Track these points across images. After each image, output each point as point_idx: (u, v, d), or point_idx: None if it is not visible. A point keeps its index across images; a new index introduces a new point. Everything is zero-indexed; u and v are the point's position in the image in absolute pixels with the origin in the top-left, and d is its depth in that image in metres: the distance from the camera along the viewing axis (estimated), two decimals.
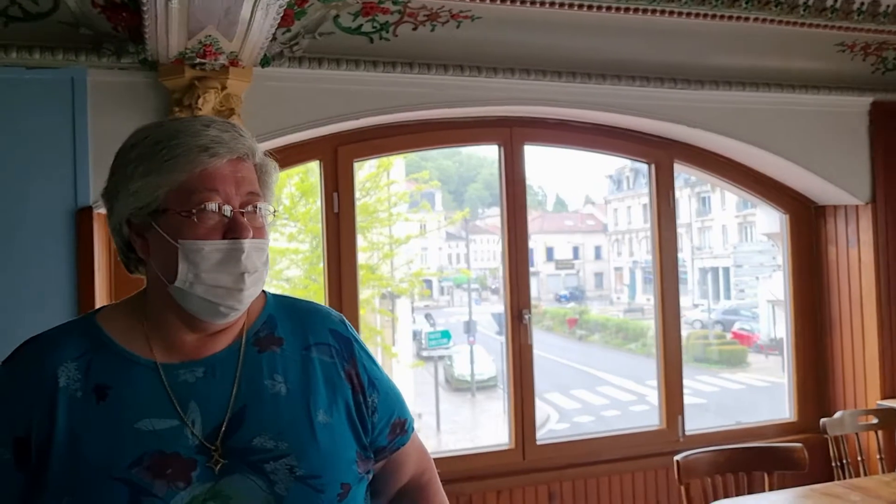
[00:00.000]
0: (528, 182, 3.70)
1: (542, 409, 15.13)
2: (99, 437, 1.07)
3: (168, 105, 2.89)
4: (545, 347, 18.19)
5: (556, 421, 13.98)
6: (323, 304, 1.27)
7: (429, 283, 18.04)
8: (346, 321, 1.29)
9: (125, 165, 1.13)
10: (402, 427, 1.28)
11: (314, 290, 9.56)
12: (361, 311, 10.93)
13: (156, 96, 2.92)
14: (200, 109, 2.83)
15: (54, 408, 1.07)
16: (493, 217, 27.70)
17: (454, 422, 13.89)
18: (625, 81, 3.48)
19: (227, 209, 1.11)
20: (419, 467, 1.34)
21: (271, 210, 1.18)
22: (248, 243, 1.11)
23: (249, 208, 1.13)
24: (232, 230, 1.10)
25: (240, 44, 2.64)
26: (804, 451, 2.84)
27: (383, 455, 1.26)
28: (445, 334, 15.77)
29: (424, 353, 15.11)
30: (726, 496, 2.76)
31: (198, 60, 2.77)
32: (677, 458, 2.73)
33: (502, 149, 3.59)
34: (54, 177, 2.82)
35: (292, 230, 9.27)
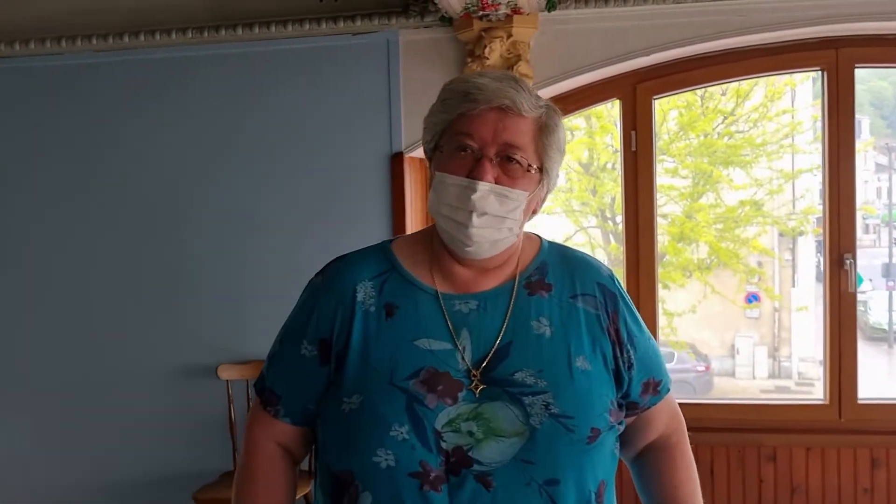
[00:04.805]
0: None
1: None
2: (385, 348, 1.21)
3: (463, 56, 3.15)
4: None
5: None
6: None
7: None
8: (615, 277, 1.33)
9: (429, 113, 1.29)
10: (655, 387, 1.32)
11: (690, 227, 9.33)
12: (752, 250, 10.38)
13: (454, 49, 3.20)
14: (488, 59, 3.04)
15: (352, 318, 1.23)
16: None
17: (866, 373, 12.43)
18: None
19: (478, 152, 1.19)
20: (669, 428, 1.38)
21: (535, 166, 1.22)
22: (483, 185, 1.18)
23: (505, 158, 1.20)
24: (474, 170, 1.19)
25: None
26: None
27: (635, 411, 1.31)
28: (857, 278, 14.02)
29: None
30: None
31: (481, 13, 2.97)
32: None
33: (825, 74, 3.20)
34: (373, 126, 3.28)
35: (669, 165, 9.13)
